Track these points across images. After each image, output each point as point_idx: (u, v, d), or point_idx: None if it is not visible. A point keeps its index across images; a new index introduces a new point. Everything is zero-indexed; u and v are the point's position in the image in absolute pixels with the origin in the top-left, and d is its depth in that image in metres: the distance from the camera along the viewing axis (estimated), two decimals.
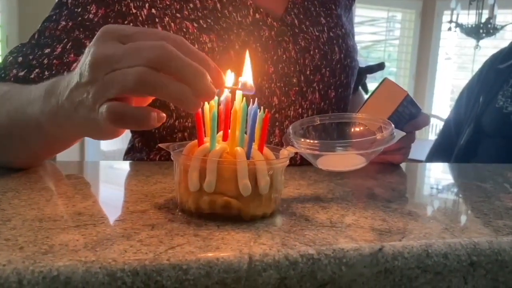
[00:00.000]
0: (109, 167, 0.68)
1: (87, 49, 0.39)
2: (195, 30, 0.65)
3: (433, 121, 4.57)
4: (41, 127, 0.47)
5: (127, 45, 0.37)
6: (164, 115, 0.38)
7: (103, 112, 0.37)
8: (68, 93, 0.40)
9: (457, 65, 5.02)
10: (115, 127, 0.38)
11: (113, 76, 0.36)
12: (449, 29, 3.97)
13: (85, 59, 0.38)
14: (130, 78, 0.35)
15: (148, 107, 0.38)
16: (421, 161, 1.41)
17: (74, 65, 0.62)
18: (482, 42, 3.92)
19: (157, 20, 0.65)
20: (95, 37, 0.38)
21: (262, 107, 0.43)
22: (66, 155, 0.63)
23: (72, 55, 0.62)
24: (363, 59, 4.89)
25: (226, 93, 0.42)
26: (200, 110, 0.40)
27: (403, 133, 0.48)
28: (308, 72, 0.70)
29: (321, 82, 0.71)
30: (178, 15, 0.65)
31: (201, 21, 0.65)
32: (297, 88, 0.69)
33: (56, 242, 0.33)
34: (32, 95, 0.48)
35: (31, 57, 0.62)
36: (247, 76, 0.42)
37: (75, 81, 0.39)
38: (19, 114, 0.49)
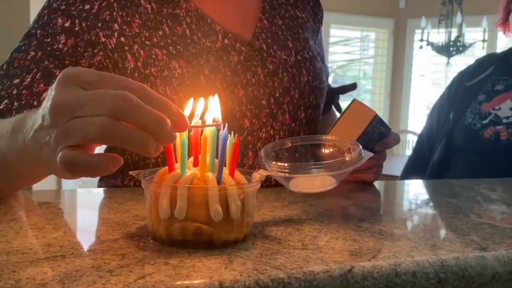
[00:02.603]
0: (82, 195, 0.67)
1: (49, 91, 0.39)
2: (165, 57, 0.65)
3: (409, 137, 4.67)
4: (8, 163, 0.46)
5: (88, 93, 0.37)
6: (121, 159, 0.38)
7: (57, 160, 0.37)
8: (32, 133, 0.40)
9: (431, 81, 5.16)
10: (69, 174, 0.38)
11: (74, 124, 0.36)
12: (421, 47, 4.08)
13: (47, 102, 0.38)
14: (92, 129, 0.35)
15: (103, 154, 0.38)
16: (397, 177, 1.43)
17: (44, 94, 0.62)
18: (453, 59, 4.04)
19: (126, 48, 0.65)
20: (56, 81, 0.38)
21: (232, 132, 0.43)
22: (42, 184, 0.62)
23: (42, 85, 0.62)
24: (340, 78, 4.99)
25: (196, 120, 0.43)
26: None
27: (371, 154, 0.50)
28: (277, 95, 0.71)
29: (291, 103, 0.72)
30: (147, 42, 0.66)
31: (170, 48, 0.66)
32: (267, 110, 0.70)
33: (23, 276, 0.33)
34: None
35: (0, 88, 0.62)
36: (215, 111, 0.43)
37: (39, 122, 0.39)
38: None
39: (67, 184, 2.47)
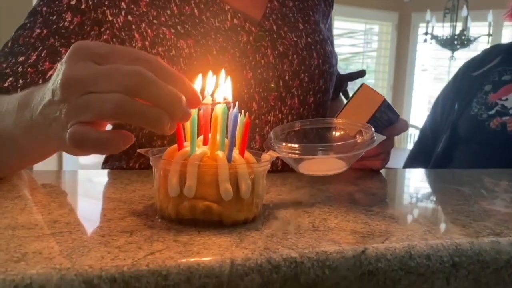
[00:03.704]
0: (87, 176, 0.67)
1: (59, 66, 0.38)
2: (172, 36, 0.64)
3: (411, 130, 4.65)
4: (15, 140, 0.45)
5: (101, 68, 0.36)
6: (132, 136, 0.37)
7: (66, 136, 0.35)
8: (41, 109, 0.39)
9: (433, 76, 5.13)
10: (78, 151, 0.37)
11: (88, 100, 0.35)
12: (425, 40, 4.06)
13: (57, 77, 0.37)
14: (108, 106, 0.34)
15: (114, 131, 0.36)
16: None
17: (50, 73, 0.60)
18: (457, 54, 4.01)
19: (133, 27, 0.64)
20: (66, 54, 0.37)
21: (243, 111, 0.42)
22: (43, 166, 0.61)
23: (47, 63, 0.61)
24: (342, 71, 4.96)
25: (207, 98, 0.42)
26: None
27: (384, 137, 0.49)
28: (286, 78, 0.70)
29: (300, 87, 0.71)
30: (155, 21, 0.65)
31: (178, 27, 0.65)
32: (276, 94, 0.69)
33: (29, 250, 0.32)
34: (4, 108, 0.46)
35: (4, 65, 0.61)
36: (226, 90, 0.42)
37: (48, 97, 0.38)
38: None
39: (68, 165, 2.47)
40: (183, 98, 0.36)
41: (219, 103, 0.41)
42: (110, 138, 0.36)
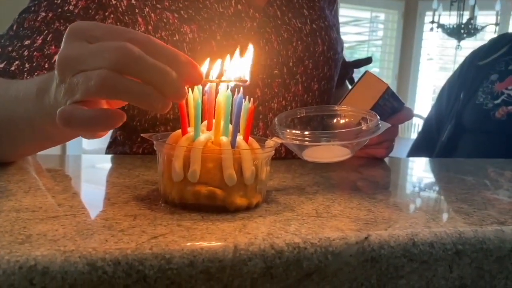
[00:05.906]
0: (90, 161, 0.67)
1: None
2: (176, 21, 0.64)
3: (415, 120, 4.63)
4: (34, 126, 0.45)
5: (91, 46, 0.35)
6: (123, 114, 0.36)
7: (56, 116, 0.35)
8: (54, 93, 0.39)
9: (438, 65, 5.09)
10: (69, 130, 0.36)
11: (78, 79, 0.35)
12: (431, 29, 4.02)
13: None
14: (92, 82, 0.34)
15: (101, 109, 0.36)
16: None
17: (55, 57, 0.60)
18: (463, 43, 3.98)
19: (137, 10, 0.63)
20: (64, 36, 0.37)
21: (247, 97, 0.42)
22: (47, 150, 0.61)
23: (53, 47, 0.60)
24: (347, 59, 4.92)
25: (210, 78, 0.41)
26: (184, 99, 0.39)
27: (388, 125, 0.48)
28: (291, 64, 0.69)
29: (304, 74, 0.71)
30: (158, 5, 0.64)
31: (182, 12, 0.64)
32: (280, 80, 0.69)
33: (33, 232, 0.32)
34: (21, 94, 0.46)
35: (10, 48, 0.60)
36: (243, 69, 0.41)
37: (55, 81, 0.38)
38: (9, 112, 0.47)
39: (72, 150, 2.48)
40: (173, 73, 0.35)
41: (233, 81, 0.40)
42: (95, 115, 0.35)
